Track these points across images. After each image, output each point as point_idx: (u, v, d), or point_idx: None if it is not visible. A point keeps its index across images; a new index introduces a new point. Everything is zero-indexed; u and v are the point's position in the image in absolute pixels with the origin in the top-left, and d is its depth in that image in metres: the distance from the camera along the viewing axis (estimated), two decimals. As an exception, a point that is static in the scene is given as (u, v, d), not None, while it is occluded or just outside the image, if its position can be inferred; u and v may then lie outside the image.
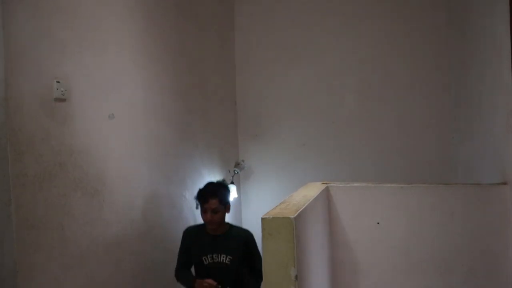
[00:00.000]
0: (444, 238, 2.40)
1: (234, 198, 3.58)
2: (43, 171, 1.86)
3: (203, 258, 2.48)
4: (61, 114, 1.97)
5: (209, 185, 2.54)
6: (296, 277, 1.57)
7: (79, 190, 2.05)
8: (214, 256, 2.48)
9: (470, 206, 2.35)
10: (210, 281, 2.35)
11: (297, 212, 1.68)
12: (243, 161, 3.76)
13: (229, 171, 3.61)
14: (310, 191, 2.33)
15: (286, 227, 1.59)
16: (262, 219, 1.63)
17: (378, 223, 2.51)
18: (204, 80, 3.37)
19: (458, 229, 2.37)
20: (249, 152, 3.82)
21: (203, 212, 2.45)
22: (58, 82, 1.94)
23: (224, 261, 2.47)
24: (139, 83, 2.56)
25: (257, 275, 2.45)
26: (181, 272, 2.55)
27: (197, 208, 2.52)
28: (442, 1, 3.34)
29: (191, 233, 2.57)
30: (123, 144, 2.38)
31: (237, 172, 3.66)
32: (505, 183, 2.29)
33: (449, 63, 3.30)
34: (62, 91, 1.96)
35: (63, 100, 1.98)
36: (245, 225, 3.78)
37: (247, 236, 2.54)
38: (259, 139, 3.80)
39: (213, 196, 2.43)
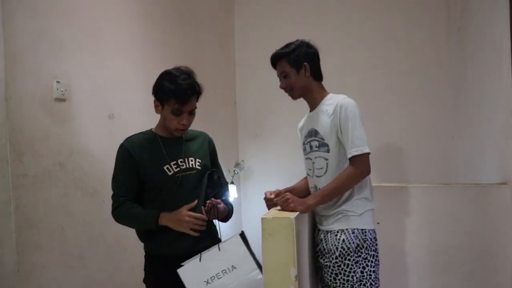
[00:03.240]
0: (444, 238, 2.40)
1: (234, 198, 3.58)
2: (43, 171, 1.85)
3: (165, 167, 1.75)
4: (61, 114, 1.97)
5: (183, 75, 1.79)
6: (296, 277, 1.57)
7: (79, 190, 2.05)
8: (179, 162, 1.77)
9: (470, 206, 2.35)
10: (193, 214, 1.66)
11: (297, 212, 1.68)
12: (243, 161, 3.76)
13: (229, 171, 3.61)
14: (310, 191, 2.33)
15: (286, 227, 1.59)
16: (262, 219, 1.63)
17: (378, 223, 2.51)
18: (204, 80, 3.36)
19: (458, 229, 2.37)
20: (249, 152, 3.82)
21: (177, 115, 1.74)
22: (58, 82, 1.94)
23: (194, 165, 1.81)
24: (139, 83, 2.56)
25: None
26: (129, 206, 1.72)
27: (163, 105, 1.75)
28: (442, 1, 3.34)
29: (136, 143, 1.78)
30: (123, 144, 2.39)
31: (237, 172, 3.66)
32: (505, 183, 2.29)
33: (449, 63, 3.30)
34: (62, 91, 1.96)
35: (63, 100, 1.98)
36: (245, 225, 3.78)
37: (207, 135, 1.98)
38: (259, 139, 3.80)
39: (193, 93, 1.76)
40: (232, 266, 1.67)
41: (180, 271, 1.66)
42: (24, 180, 1.77)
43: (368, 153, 1.80)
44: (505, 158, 2.33)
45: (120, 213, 1.75)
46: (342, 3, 3.58)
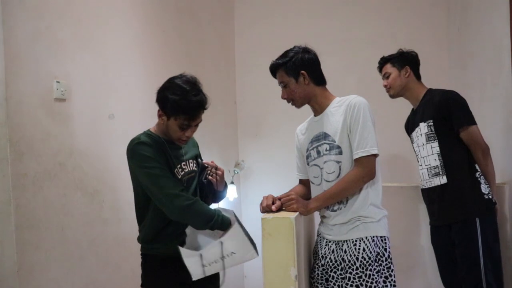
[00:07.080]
0: (444, 238, 2.39)
1: (234, 198, 3.58)
2: (43, 171, 1.85)
3: (174, 170, 1.79)
4: (61, 114, 1.97)
5: (193, 91, 1.73)
6: (296, 277, 1.57)
7: (79, 190, 2.05)
8: (183, 165, 1.84)
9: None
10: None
11: (297, 212, 1.68)
12: (243, 161, 3.76)
13: (229, 171, 3.61)
14: (310, 191, 2.33)
15: (286, 227, 1.59)
16: (262, 219, 1.63)
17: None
18: (204, 80, 3.36)
19: (458, 229, 2.36)
20: (249, 152, 3.82)
21: (182, 129, 1.74)
22: (58, 82, 1.94)
23: (193, 168, 1.89)
24: (139, 83, 2.56)
25: None
26: (202, 203, 1.77)
27: (169, 117, 1.72)
28: (442, 1, 3.34)
29: (153, 143, 1.75)
30: (123, 144, 2.38)
31: (237, 172, 3.66)
32: (504, 183, 2.30)
33: (449, 63, 3.30)
34: (62, 91, 1.96)
35: (63, 100, 1.98)
36: (245, 225, 3.77)
37: (193, 138, 1.98)
38: (259, 139, 3.80)
39: (203, 109, 1.76)
40: (232, 252, 1.70)
41: (181, 248, 1.67)
42: (24, 180, 1.76)
43: (375, 155, 1.70)
44: (504, 158, 2.33)
45: (198, 209, 1.71)
46: (342, 3, 3.58)
